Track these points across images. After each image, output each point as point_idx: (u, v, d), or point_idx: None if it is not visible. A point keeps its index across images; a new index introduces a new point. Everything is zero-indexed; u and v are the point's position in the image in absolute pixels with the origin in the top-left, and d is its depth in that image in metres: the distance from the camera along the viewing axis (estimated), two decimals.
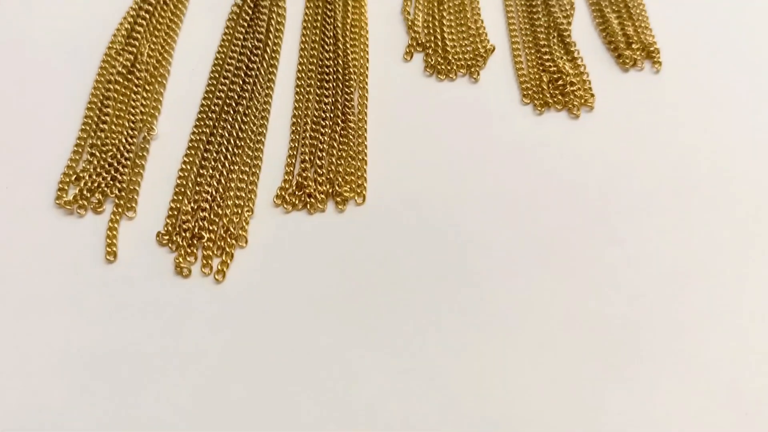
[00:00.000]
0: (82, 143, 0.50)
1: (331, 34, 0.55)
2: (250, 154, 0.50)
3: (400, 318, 0.43)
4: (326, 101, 0.52)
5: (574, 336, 0.43)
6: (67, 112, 0.52)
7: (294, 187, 0.49)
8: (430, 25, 0.56)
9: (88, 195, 0.48)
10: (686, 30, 0.56)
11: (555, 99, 0.52)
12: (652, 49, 0.54)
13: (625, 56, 0.54)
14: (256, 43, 0.54)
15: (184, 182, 0.49)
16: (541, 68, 0.54)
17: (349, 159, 0.50)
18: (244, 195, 0.48)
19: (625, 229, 0.47)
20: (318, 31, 0.55)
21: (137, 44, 0.54)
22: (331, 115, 0.51)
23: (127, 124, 0.51)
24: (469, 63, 0.54)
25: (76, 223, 0.48)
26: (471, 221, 0.48)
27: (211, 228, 0.47)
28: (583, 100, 0.52)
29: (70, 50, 0.55)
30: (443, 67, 0.54)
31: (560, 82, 0.52)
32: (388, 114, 0.52)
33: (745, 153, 0.50)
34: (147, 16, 0.55)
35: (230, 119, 0.51)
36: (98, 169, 0.49)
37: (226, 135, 0.50)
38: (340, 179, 0.49)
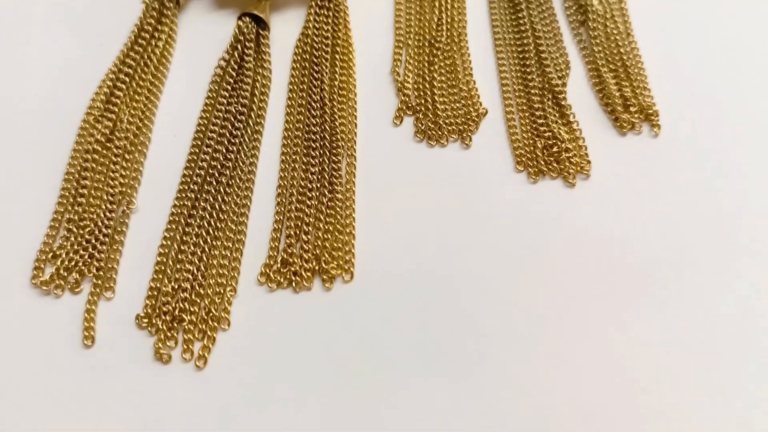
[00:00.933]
0: (59, 218, 0.49)
1: (318, 97, 0.54)
2: (233, 228, 0.49)
3: (392, 401, 0.43)
4: (312, 170, 0.51)
5: (570, 420, 0.42)
6: (44, 184, 0.51)
7: (279, 264, 0.48)
8: (421, 86, 0.55)
9: (65, 274, 0.47)
10: (686, 90, 0.55)
11: (550, 166, 0.51)
12: (650, 111, 0.53)
13: (622, 120, 0.53)
14: (241, 108, 0.53)
15: (165, 259, 0.48)
16: (535, 133, 0.53)
17: (336, 233, 0.49)
18: (226, 273, 0.47)
19: (623, 305, 0.46)
20: (305, 94, 0.54)
21: (117, 110, 0.53)
22: (318, 185, 0.51)
23: (105, 197, 0.50)
24: (460, 128, 0.53)
25: (53, 304, 0.47)
26: (464, 296, 0.47)
27: (192, 309, 0.46)
28: (579, 167, 0.51)
29: (46, 117, 0.54)
30: (434, 132, 0.53)
31: (555, 149, 0.52)
32: (377, 183, 0.51)
33: (749, 223, 0.50)
34: (127, 79, 0.54)
35: (213, 190, 0.50)
36: (75, 247, 0.48)
37: (209, 208, 0.49)
38: (326, 255, 0.48)
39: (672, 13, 0.59)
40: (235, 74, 0.54)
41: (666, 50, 0.57)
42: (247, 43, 0.55)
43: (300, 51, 0.57)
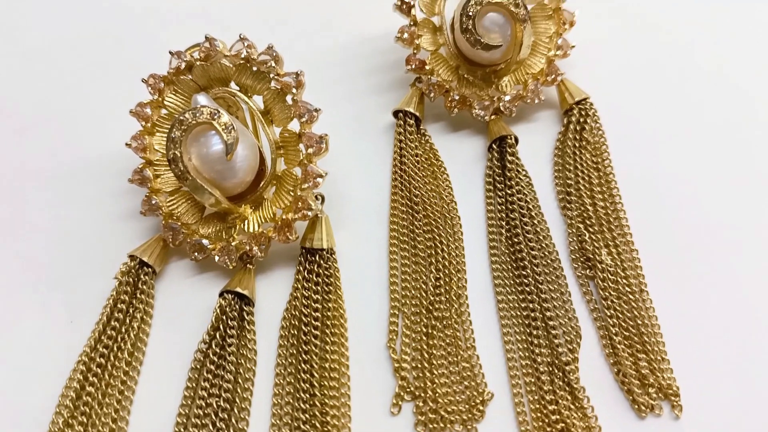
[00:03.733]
0: None
1: (307, 385, 0.51)
2: None
3: None
4: None
5: None
6: None
7: None
8: (420, 364, 0.52)
9: None
10: (710, 363, 0.52)
11: None
12: (671, 391, 0.51)
13: (640, 402, 0.50)
14: (222, 404, 0.50)
15: None
16: (546, 422, 0.50)
17: None
18: None
19: None
20: (292, 378, 0.52)
21: (88, 410, 0.50)
22: None
23: None
24: (464, 416, 0.50)
25: None
26: None
27: None
28: None
29: (10, 421, 0.51)
30: (436, 425, 0.50)
31: None
32: None
33: None
34: (99, 370, 0.51)
35: None
36: None
37: None
38: None
39: (687, 264, 0.56)
40: (216, 359, 0.51)
41: (684, 309, 0.54)
42: (230, 322, 0.52)
43: (287, 324, 0.53)
